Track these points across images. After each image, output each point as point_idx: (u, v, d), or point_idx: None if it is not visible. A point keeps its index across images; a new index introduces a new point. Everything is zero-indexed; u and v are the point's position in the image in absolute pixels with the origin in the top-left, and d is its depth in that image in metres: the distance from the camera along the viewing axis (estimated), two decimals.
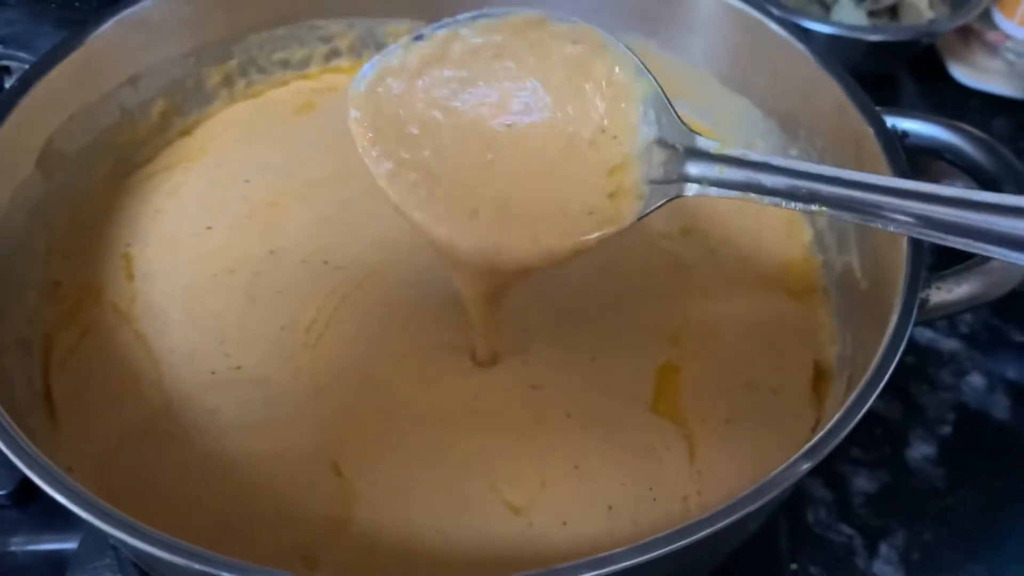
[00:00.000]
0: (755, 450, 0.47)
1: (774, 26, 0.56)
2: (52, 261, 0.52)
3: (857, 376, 0.44)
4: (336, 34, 0.65)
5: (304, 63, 0.65)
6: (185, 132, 0.62)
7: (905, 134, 0.51)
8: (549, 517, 0.44)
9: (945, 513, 0.57)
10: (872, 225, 0.39)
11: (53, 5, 0.71)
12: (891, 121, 0.51)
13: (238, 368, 0.49)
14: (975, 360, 0.64)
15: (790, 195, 0.40)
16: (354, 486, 0.45)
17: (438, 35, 0.42)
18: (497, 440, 0.47)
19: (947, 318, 0.55)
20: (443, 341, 0.51)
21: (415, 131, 0.42)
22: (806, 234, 0.57)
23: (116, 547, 0.50)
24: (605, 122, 0.42)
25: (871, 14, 0.78)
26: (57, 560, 0.51)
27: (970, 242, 0.37)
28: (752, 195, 0.40)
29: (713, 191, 0.41)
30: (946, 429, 0.60)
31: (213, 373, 0.49)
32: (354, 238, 0.56)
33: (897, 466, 0.58)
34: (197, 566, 0.34)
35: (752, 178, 0.40)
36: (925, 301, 0.44)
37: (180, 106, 0.61)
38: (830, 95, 0.52)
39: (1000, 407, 0.61)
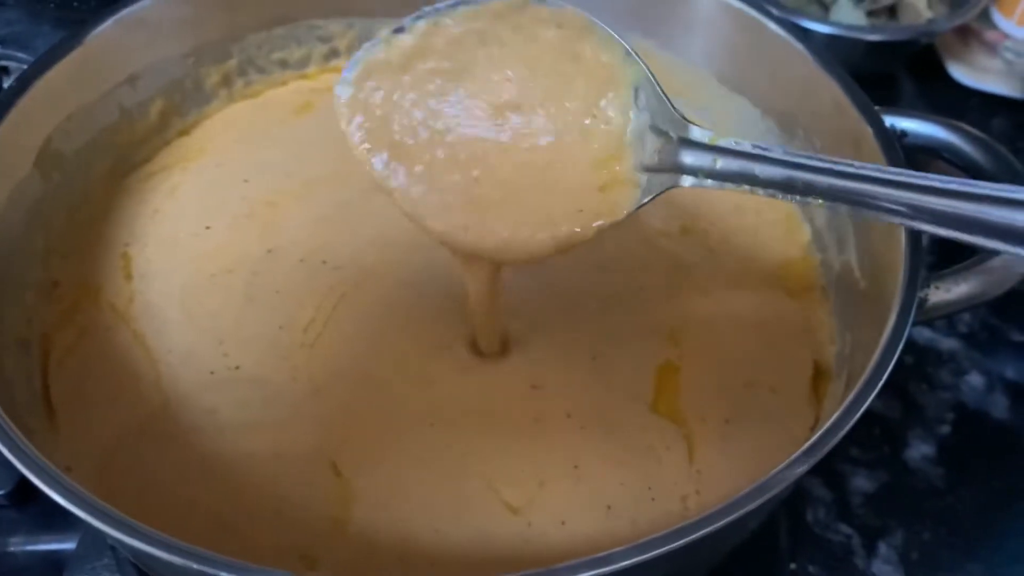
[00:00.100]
0: (754, 449, 0.47)
1: (773, 26, 0.56)
2: (50, 261, 0.52)
3: (856, 375, 0.44)
4: (335, 34, 0.65)
5: (303, 63, 0.65)
6: (184, 132, 0.62)
7: (904, 133, 0.51)
8: (548, 517, 0.44)
9: (944, 513, 0.57)
10: (868, 216, 0.38)
11: (52, 5, 0.71)
12: (890, 120, 0.51)
13: (236, 368, 0.49)
14: (974, 359, 0.64)
15: (786, 186, 0.39)
16: (353, 486, 0.45)
17: (419, 26, 0.41)
18: (496, 440, 0.47)
19: (946, 317, 0.55)
20: (442, 340, 0.51)
21: (406, 129, 0.42)
22: (805, 233, 0.57)
23: (114, 547, 0.50)
24: (596, 107, 0.41)
25: (870, 14, 0.78)
26: (56, 560, 0.51)
27: (965, 234, 0.37)
28: (748, 187, 0.40)
29: (709, 183, 0.41)
30: (945, 429, 0.60)
31: (212, 373, 0.49)
32: (353, 237, 0.56)
33: (896, 466, 0.58)
34: (195, 566, 0.34)
35: (748, 168, 0.40)
36: (924, 300, 0.44)
37: (179, 106, 0.61)
38: (828, 94, 0.52)
39: (999, 406, 0.61)
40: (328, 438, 0.47)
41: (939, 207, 0.37)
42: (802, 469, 0.36)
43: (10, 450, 0.37)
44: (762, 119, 0.59)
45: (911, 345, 0.61)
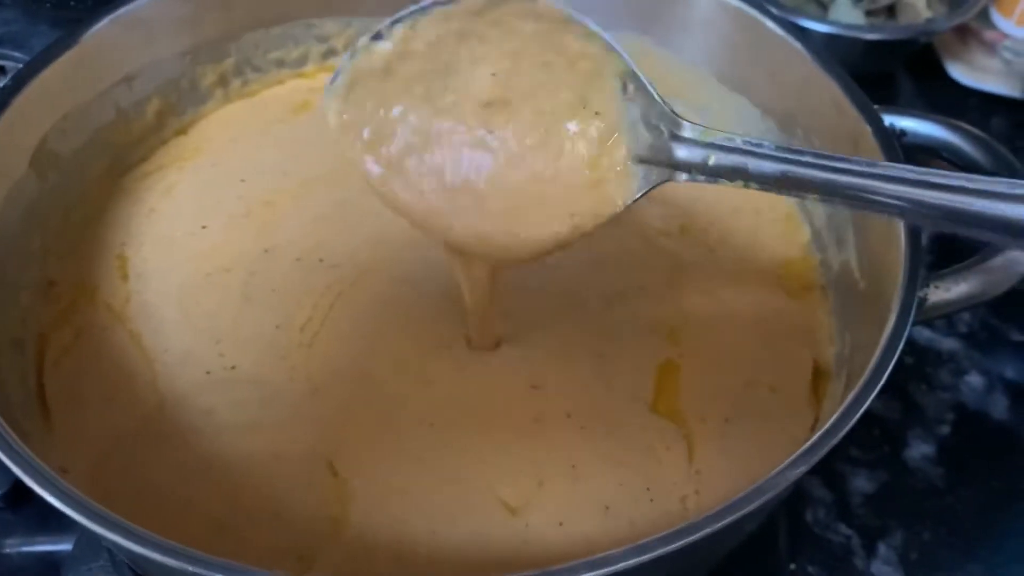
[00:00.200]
0: (754, 450, 0.47)
1: (771, 25, 0.55)
2: (46, 261, 0.52)
3: (855, 375, 0.44)
4: (332, 33, 0.65)
5: (300, 62, 0.65)
6: (180, 131, 0.61)
7: (903, 132, 0.51)
8: (546, 517, 0.44)
9: (944, 513, 0.56)
10: (865, 210, 0.38)
11: (48, 4, 0.71)
12: (889, 119, 0.50)
13: (233, 368, 0.49)
14: (974, 359, 0.63)
15: (780, 182, 0.39)
16: (350, 486, 0.45)
17: (396, 31, 0.41)
18: (494, 440, 0.47)
19: (945, 317, 0.55)
20: (440, 338, 0.51)
21: (397, 134, 0.41)
22: (804, 233, 0.57)
23: (111, 549, 0.49)
24: (585, 97, 0.40)
25: (868, 13, 0.78)
26: (52, 561, 0.51)
27: (964, 229, 0.37)
28: (742, 182, 0.40)
29: (703, 179, 0.40)
30: (945, 429, 0.60)
31: (208, 373, 0.49)
32: (350, 236, 0.56)
33: (896, 466, 0.58)
34: (191, 568, 0.33)
35: (741, 164, 0.39)
36: (923, 300, 0.44)
37: (175, 105, 0.61)
38: (828, 94, 0.52)
39: (999, 407, 0.61)
40: (325, 438, 0.46)
41: (937, 201, 0.36)
42: (802, 470, 0.36)
43: (4, 452, 0.37)
44: (762, 118, 0.58)
45: (911, 345, 0.61)
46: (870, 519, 0.56)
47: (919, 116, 0.51)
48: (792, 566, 0.54)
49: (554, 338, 0.51)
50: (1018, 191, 0.35)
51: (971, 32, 0.81)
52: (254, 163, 0.60)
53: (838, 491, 0.57)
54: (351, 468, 0.45)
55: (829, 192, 0.39)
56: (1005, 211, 0.35)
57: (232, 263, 0.54)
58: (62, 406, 0.48)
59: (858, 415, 0.38)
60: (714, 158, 0.40)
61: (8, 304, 0.49)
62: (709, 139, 0.40)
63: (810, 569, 0.54)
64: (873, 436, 0.59)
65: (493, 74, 0.40)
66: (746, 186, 0.40)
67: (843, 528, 0.56)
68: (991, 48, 0.81)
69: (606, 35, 0.41)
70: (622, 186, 0.41)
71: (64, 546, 0.51)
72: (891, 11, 0.79)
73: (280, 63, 0.64)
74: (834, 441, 0.37)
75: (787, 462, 0.36)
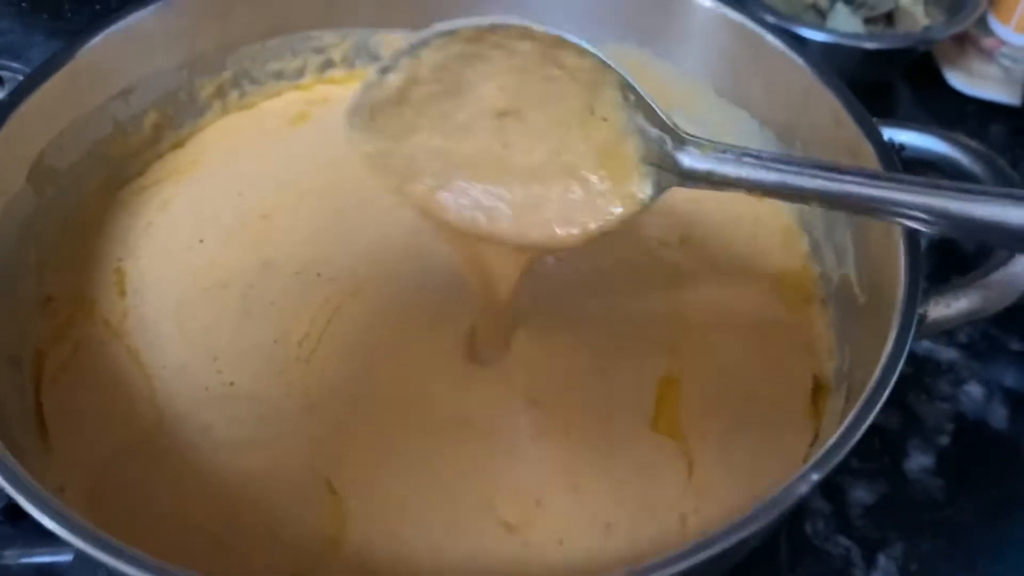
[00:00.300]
0: (753, 466, 0.46)
1: (770, 37, 0.55)
2: (43, 276, 0.52)
3: (855, 390, 0.44)
4: (330, 44, 0.65)
5: (298, 73, 0.65)
6: (177, 144, 0.61)
7: (902, 146, 0.51)
8: (545, 536, 0.44)
9: (944, 524, 0.56)
10: (866, 218, 0.40)
11: (45, 16, 0.71)
12: (888, 133, 0.50)
13: (231, 384, 0.49)
14: (973, 369, 0.63)
15: (779, 190, 0.40)
16: (348, 504, 0.45)
17: (401, 62, 0.42)
18: (493, 457, 0.47)
19: (945, 333, 0.55)
20: (439, 353, 0.51)
21: (420, 153, 0.43)
22: (803, 244, 0.57)
23: None
24: (590, 104, 0.42)
25: (867, 21, 0.78)
26: (51, 573, 0.51)
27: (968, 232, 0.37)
28: (745, 191, 0.41)
29: (706, 186, 0.42)
30: (944, 439, 0.60)
31: (206, 389, 0.49)
32: (348, 249, 0.56)
33: (895, 477, 0.58)
34: None
35: (740, 172, 0.40)
36: (923, 316, 0.44)
37: (172, 118, 0.61)
38: (827, 107, 0.52)
39: (998, 416, 0.61)
40: (323, 456, 0.46)
41: (941, 207, 0.37)
42: (800, 494, 0.36)
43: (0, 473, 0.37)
44: (760, 130, 0.58)
45: (910, 355, 0.60)
46: (870, 531, 0.56)
47: (918, 130, 0.51)
48: None
49: (555, 353, 0.51)
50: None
51: (969, 39, 0.81)
52: (251, 176, 0.59)
53: (837, 502, 0.57)
54: (349, 486, 0.45)
55: (826, 199, 0.39)
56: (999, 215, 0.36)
57: (230, 277, 0.54)
58: (60, 423, 0.47)
59: (857, 436, 0.38)
60: (714, 167, 0.41)
61: (5, 320, 0.48)
62: (709, 149, 0.41)
63: None
64: (872, 447, 0.59)
65: (501, 88, 0.42)
66: (749, 192, 0.41)
67: (843, 540, 0.55)
68: (989, 55, 0.81)
69: (599, 53, 0.41)
70: (636, 187, 0.42)
71: (64, 557, 0.51)
72: (889, 19, 0.79)
73: (278, 75, 0.64)
74: (833, 463, 0.37)
75: (784, 486, 0.36)
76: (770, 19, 0.71)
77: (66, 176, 0.54)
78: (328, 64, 0.65)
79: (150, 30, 0.57)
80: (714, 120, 0.60)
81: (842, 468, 0.57)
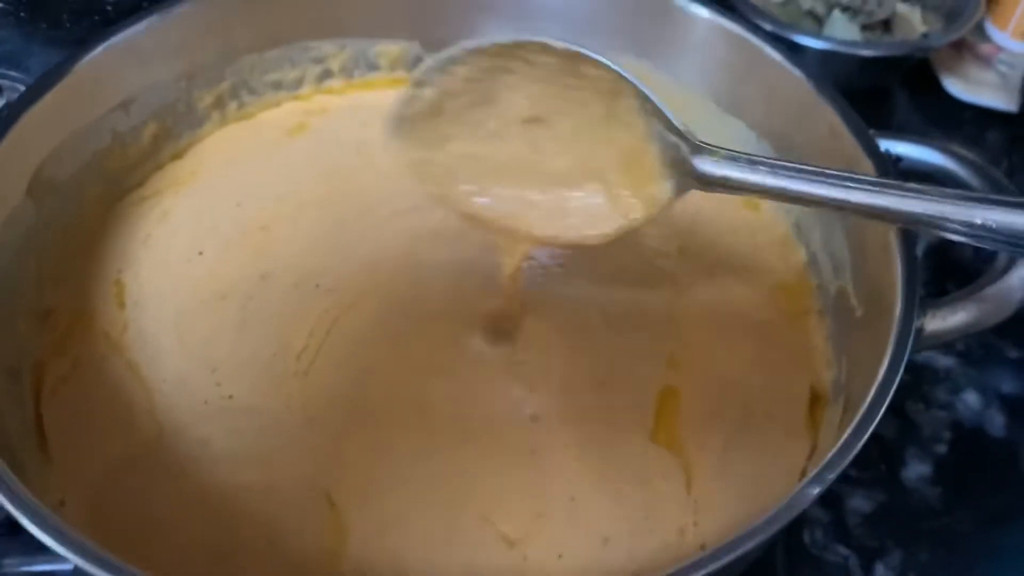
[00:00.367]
0: (751, 478, 0.47)
1: (768, 49, 0.56)
2: (43, 288, 0.52)
3: (852, 402, 0.45)
4: (328, 55, 0.65)
5: (296, 84, 0.65)
6: (177, 155, 0.61)
7: (899, 158, 0.51)
8: (544, 550, 0.44)
9: (941, 533, 0.56)
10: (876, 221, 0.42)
11: (44, 25, 0.71)
12: (885, 145, 0.51)
13: (230, 397, 0.49)
14: (970, 377, 0.63)
15: (786, 194, 0.42)
16: (347, 518, 0.45)
17: (434, 77, 0.45)
18: (492, 471, 0.47)
19: (942, 346, 0.55)
20: (437, 366, 0.51)
21: (456, 159, 0.46)
22: (800, 256, 0.57)
23: None
24: (611, 110, 0.44)
25: (864, 28, 0.78)
26: None
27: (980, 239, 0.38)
28: (755, 195, 0.43)
29: (720, 190, 0.43)
30: (942, 448, 0.60)
31: (205, 403, 0.49)
32: (346, 259, 0.56)
33: (893, 485, 0.58)
34: None
35: (749, 178, 0.42)
36: (920, 330, 0.44)
37: (171, 129, 0.61)
38: (824, 119, 0.52)
39: (996, 424, 0.61)
40: (322, 469, 0.46)
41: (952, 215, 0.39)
42: (802, 505, 0.36)
43: None
44: (758, 141, 0.59)
45: (908, 363, 0.61)
46: (868, 539, 0.56)
47: (915, 141, 0.51)
48: None
49: (557, 366, 0.51)
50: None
51: (967, 46, 0.81)
52: (250, 187, 0.60)
53: (835, 511, 0.57)
54: (348, 499, 0.45)
55: (831, 205, 0.41)
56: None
57: (228, 289, 0.54)
58: (60, 436, 0.47)
59: (856, 449, 0.38)
60: (727, 171, 0.43)
61: (4, 333, 0.48)
62: (722, 155, 0.43)
63: None
64: (870, 456, 0.59)
65: (528, 97, 0.45)
66: (759, 196, 0.43)
67: (841, 549, 0.55)
68: (986, 61, 0.81)
69: (614, 65, 0.44)
70: (658, 189, 0.44)
71: (64, 566, 0.51)
72: (887, 26, 0.79)
73: (276, 85, 0.64)
74: (828, 482, 0.38)
75: (781, 505, 0.37)
76: (767, 27, 0.71)
77: (65, 188, 0.54)
78: (326, 74, 0.65)
79: (149, 42, 0.57)
80: (712, 130, 0.59)
81: (840, 477, 0.58)
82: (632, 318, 0.54)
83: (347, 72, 0.66)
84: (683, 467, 0.47)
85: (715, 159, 0.43)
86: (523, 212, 0.46)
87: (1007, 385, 0.63)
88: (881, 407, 0.40)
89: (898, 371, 0.41)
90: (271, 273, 0.55)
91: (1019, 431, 0.61)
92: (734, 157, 0.42)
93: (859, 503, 0.57)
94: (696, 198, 0.44)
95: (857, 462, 0.58)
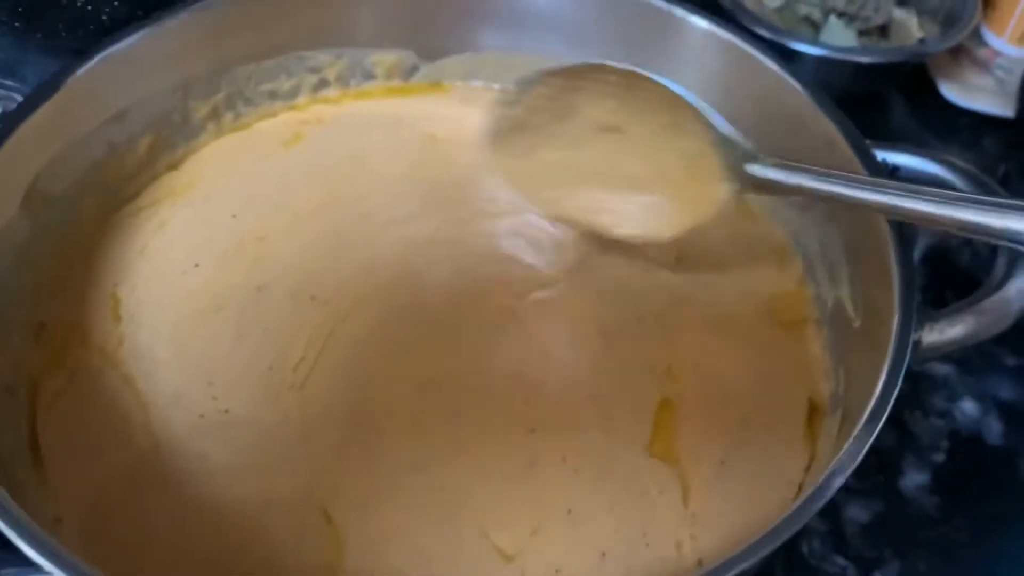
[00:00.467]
0: (749, 491, 0.47)
1: (765, 59, 0.56)
2: (38, 303, 0.52)
3: (850, 415, 0.45)
4: (324, 64, 0.64)
5: (292, 94, 0.65)
6: (172, 166, 0.61)
7: (896, 168, 0.51)
8: (541, 564, 0.44)
9: (939, 542, 0.56)
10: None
11: (39, 35, 0.71)
12: (882, 155, 0.51)
13: (226, 411, 0.49)
14: (968, 385, 0.63)
15: (832, 197, 0.46)
16: (344, 533, 0.45)
17: (519, 97, 0.53)
18: (489, 484, 0.46)
19: (940, 359, 0.55)
20: (433, 377, 0.51)
21: (545, 166, 0.53)
22: (798, 265, 0.57)
23: None
24: (675, 119, 0.50)
25: (861, 34, 0.78)
26: None
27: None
28: (802, 197, 0.48)
29: (769, 192, 0.49)
30: (939, 456, 0.60)
31: (201, 416, 0.49)
32: (342, 270, 0.56)
33: (891, 495, 0.58)
34: None
35: (794, 181, 0.47)
36: (918, 342, 0.44)
37: (167, 140, 0.60)
38: (821, 129, 0.52)
39: (993, 432, 0.61)
40: (319, 484, 0.46)
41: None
42: (801, 523, 0.36)
43: None
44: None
45: (905, 372, 0.61)
46: (865, 549, 0.56)
47: (912, 152, 0.51)
48: None
49: (556, 378, 0.51)
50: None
51: (963, 51, 0.81)
52: (246, 197, 0.59)
53: (833, 521, 0.57)
54: (345, 514, 0.45)
55: (864, 206, 0.45)
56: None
57: (225, 302, 0.54)
58: (55, 453, 0.47)
59: (855, 464, 0.38)
60: (775, 175, 0.48)
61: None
62: (769, 161, 0.48)
63: None
64: (868, 465, 0.59)
65: (601, 109, 0.52)
66: (805, 198, 0.49)
67: (839, 559, 0.55)
68: (983, 67, 0.81)
69: (668, 82, 0.50)
70: (719, 191, 0.49)
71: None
72: (883, 31, 0.79)
73: (272, 95, 0.64)
74: (833, 489, 0.38)
75: (788, 514, 0.37)
76: (764, 33, 0.71)
77: (61, 201, 0.54)
78: (323, 84, 0.65)
79: (143, 54, 0.57)
80: None
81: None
82: (629, 329, 0.54)
83: (343, 81, 0.66)
84: (680, 479, 0.47)
85: (764, 164, 0.48)
86: (604, 212, 0.52)
87: (1005, 393, 0.63)
88: (879, 421, 0.40)
89: (896, 385, 0.41)
90: (267, 284, 0.55)
91: (1017, 439, 0.61)
92: (779, 164, 0.47)
93: (857, 512, 0.57)
94: None
95: (855, 471, 0.58)
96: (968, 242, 0.68)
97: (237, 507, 0.45)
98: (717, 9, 0.71)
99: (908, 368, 0.43)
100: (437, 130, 0.64)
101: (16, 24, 0.70)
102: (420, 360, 0.52)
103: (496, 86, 0.67)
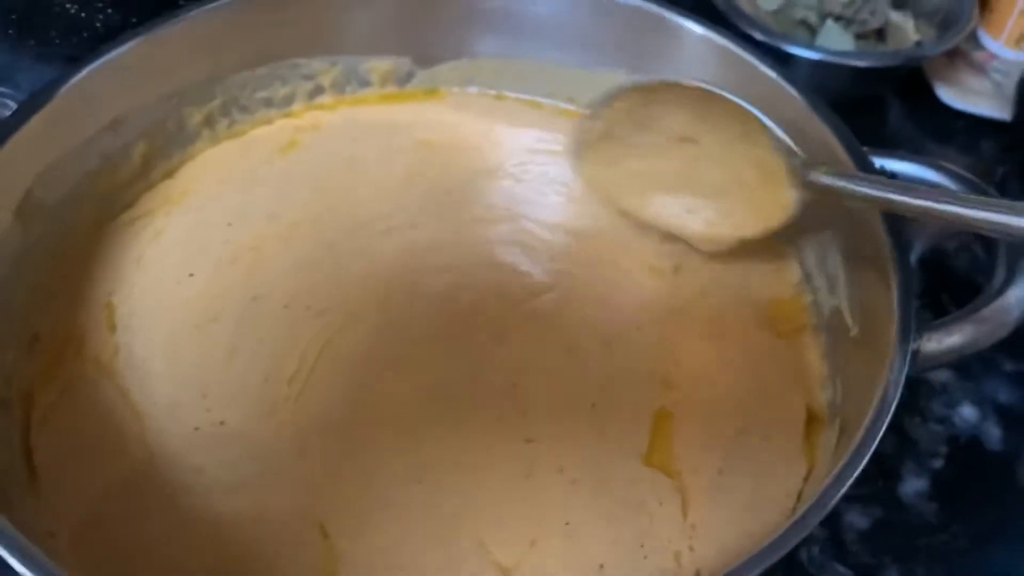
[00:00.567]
0: (747, 501, 0.46)
1: (761, 65, 0.56)
2: (32, 314, 0.51)
3: (848, 426, 0.44)
4: (319, 71, 0.64)
5: (287, 101, 0.64)
6: (167, 175, 0.61)
7: (893, 175, 0.51)
8: None
9: (938, 549, 0.56)
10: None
11: (33, 42, 0.71)
12: (879, 162, 0.51)
13: (221, 423, 0.49)
14: (966, 390, 0.63)
15: (882, 203, 0.47)
16: (340, 548, 0.44)
17: (601, 112, 0.56)
18: (486, 497, 0.46)
19: (937, 368, 0.55)
20: (428, 388, 0.51)
21: (629, 174, 0.57)
22: (795, 272, 0.57)
23: None
24: (745, 130, 0.52)
25: (858, 37, 0.77)
26: None
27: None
28: (857, 203, 0.49)
29: (824, 198, 0.50)
30: (938, 463, 0.60)
31: (196, 429, 0.48)
32: (336, 280, 0.56)
33: (890, 501, 0.58)
34: None
35: (850, 187, 0.48)
36: (916, 352, 0.44)
37: (162, 148, 0.60)
38: (818, 135, 0.52)
39: (992, 438, 0.61)
40: (315, 498, 0.46)
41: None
42: (799, 537, 0.36)
43: None
44: None
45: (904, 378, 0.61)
46: (865, 556, 0.56)
47: (909, 159, 0.51)
48: None
49: (553, 387, 0.51)
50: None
51: (960, 54, 0.81)
52: (241, 206, 0.59)
53: (832, 528, 0.56)
54: (341, 528, 0.45)
55: (918, 214, 0.46)
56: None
57: (219, 312, 0.53)
58: (49, 466, 0.47)
59: (854, 476, 0.38)
60: (833, 182, 0.49)
61: None
62: (825, 169, 0.50)
63: None
64: (867, 471, 0.58)
65: (678, 121, 0.55)
66: (858, 204, 0.49)
67: (838, 567, 0.55)
68: (980, 69, 0.81)
69: (735, 97, 0.53)
70: (787, 197, 0.51)
71: None
72: (880, 34, 0.79)
73: (268, 102, 0.64)
74: (833, 501, 0.37)
75: (786, 528, 0.36)
76: (760, 37, 0.71)
77: (55, 211, 0.53)
78: (318, 91, 0.65)
79: (138, 60, 0.56)
80: None
81: None
82: (629, 337, 0.54)
83: (338, 88, 0.65)
84: (678, 490, 0.47)
85: (821, 172, 0.49)
86: (686, 217, 0.55)
87: (1003, 397, 0.63)
88: (878, 433, 0.40)
89: (894, 397, 0.41)
90: (262, 295, 0.54)
91: (1015, 444, 0.61)
92: (832, 172, 0.49)
93: (856, 519, 0.57)
94: None
95: (854, 479, 0.58)
96: (966, 245, 0.68)
97: (232, 521, 0.45)
98: (713, 12, 0.71)
99: (907, 377, 0.43)
100: (433, 136, 0.64)
101: (9, 31, 0.69)
102: (416, 371, 0.52)
103: (492, 92, 0.67)
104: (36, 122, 0.51)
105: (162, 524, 0.45)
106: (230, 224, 0.58)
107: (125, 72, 0.56)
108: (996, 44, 0.80)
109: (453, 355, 0.52)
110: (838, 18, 0.77)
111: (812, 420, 0.50)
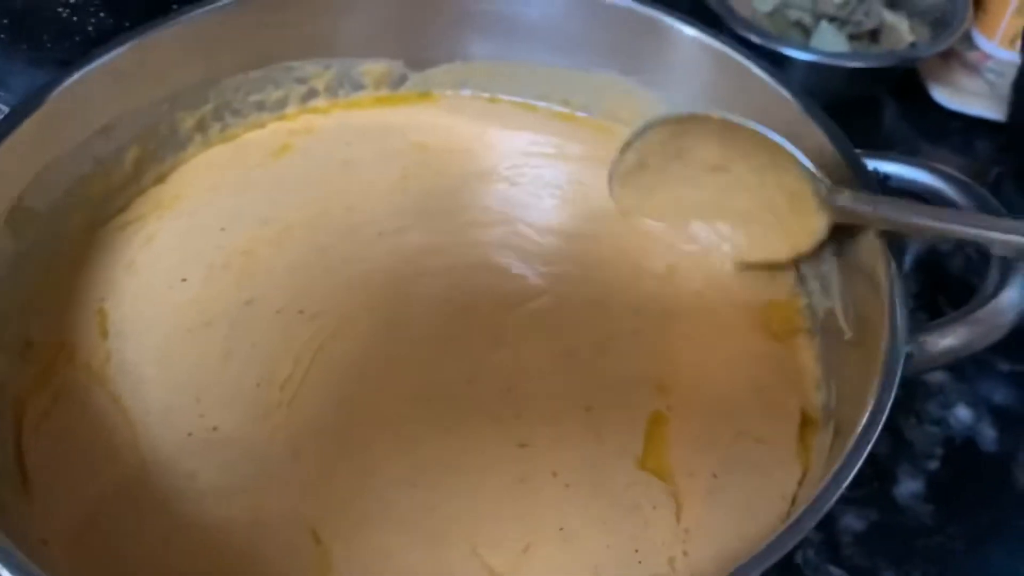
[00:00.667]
0: (742, 505, 0.46)
1: (755, 68, 0.55)
2: (23, 321, 0.51)
3: (843, 429, 0.44)
4: (312, 75, 0.64)
5: (280, 104, 0.64)
6: (159, 179, 0.60)
7: (887, 177, 0.51)
8: None
9: (934, 551, 0.56)
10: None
11: (24, 46, 0.70)
12: (873, 164, 0.51)
13: (214, 429, 0.48)
14: (962, 391, 0.63)
15: (907, 228, 0.48)
16: (333, 553, 0.44)
17: (635, 144, 0.57)
18: (480, 502, 0.46)
19: (932, 371, 0.55)
20: (422, 392, 0.51)
21: (662, 201, 0.59)
22: (790, 274, 0.57)
23: None
24: (774, 158, 0.53)
25: (852, 38, 0.77)
26: None
27: None
28: (879, 226, 0.49)
29: (850, 222, 0.51)
30: (934, 464, 0.60)
31: (189, 435, 0.48)
32: (330, 283, 0.55)
33: (885, 503, 0.58)
34: None
35: (879, 211, 0.48)
36: (910, 355, 0.44)
37: (154, 153, 0.60)
38: (812, 138, 0.52)
39: (987, 439, 0.61)
40: (308, 503, 0.46)
41: None
42: (793, 542, 0.36)
43: None
44: None
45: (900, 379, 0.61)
46: (860, 559, 0.56)
47: (903, 161, 0.51)
48: None
49: (547, 390, 0.51)
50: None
51: (954, 54, 0.81)
52: (233, 210, 0.59)
53: (827, 530, 0.56)
54: (334, 534, 0.45)
55: (943, 237, 0.51)
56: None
57: (212, 317, 0.53)
58: (42, 473, 0.46)
59: (848, 479, 0.38)
60: (857, 206, 0.49)
61: None
62: (847, 194, 0.50)
63: None
64: (863, 473, 0.58)
65: (709, 150, 0.55)
66: (880, 227, 0.49)
67: (834, 570, 0.55)
68: (974, 70, 0.81)
69: (758, 125, 0.53)
70: (816, 222, 0.52)
71: None
72: (874, 35, 0.79)
73: (260, 106, 0.63)
74: (828, 505, 0.37)
75: (780, 532, 0.36)
76: (754, 38, 0.71)
77: (46, 217, 0.53)
78: (311, 94, 0.65)
79: (130, 65, 0.56)
80: None
81: None
82: (624, 340, 0.54)
83: (332, 91, 0.65)
84: (673, 494, 0.47)
85: (846, 196, 0.49)
86: (719, 242, 0.57)
87: (999, 398, 0.63)
88: (872, 435, 0.40)
89: (889, 399, 0.41)
90: (255, 299, 0.54)
91: (1011, 445, 0.61)
92: (856, 197, 0.49)
93: (851, 522, 0.57)
94: None
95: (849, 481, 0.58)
96: (960, 247, 0.68)
97: (225, 527, 0.45)
98: (707, 14, 0.71)
99: (901, 379, 0.42)
100: (426, 140, 0.64)
101: (1, 35, 0.69)
102: (410, 375, 0.52)
103: (485, 95, 0.67)
104: (28, 126, 0.51)
105: (155, 530, 0.45)
106: (223, 228, 0.58)
107: (117, 76, 0.56)
108: (990, 44, 0.80)
109: (447, 359, 0.52)
110: (832, 19, 0.77)
111: (807, 423, 0.50)
